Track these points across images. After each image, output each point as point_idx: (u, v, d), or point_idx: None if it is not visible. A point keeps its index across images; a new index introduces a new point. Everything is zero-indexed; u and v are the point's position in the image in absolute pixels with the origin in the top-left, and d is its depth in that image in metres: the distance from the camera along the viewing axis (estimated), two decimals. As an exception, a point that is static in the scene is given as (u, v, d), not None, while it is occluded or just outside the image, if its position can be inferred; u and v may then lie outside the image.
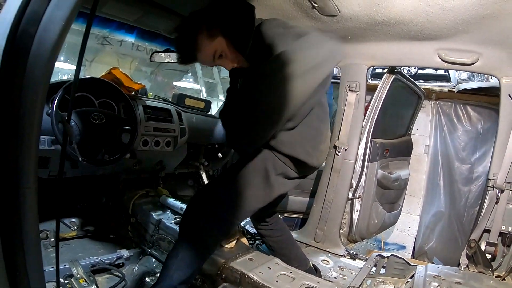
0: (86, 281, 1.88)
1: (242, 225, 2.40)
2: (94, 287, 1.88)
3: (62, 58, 3.43)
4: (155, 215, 2.40)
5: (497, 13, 1.69)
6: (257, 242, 2.38)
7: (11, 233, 0.73)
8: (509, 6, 1.61)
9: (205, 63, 1.59)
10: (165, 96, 2.98)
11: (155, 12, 2.01)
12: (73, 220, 2.60)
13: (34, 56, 0.66)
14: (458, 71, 3.91)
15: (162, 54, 2.47)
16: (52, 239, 2.29)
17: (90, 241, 2.51)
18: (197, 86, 5.29)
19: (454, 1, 1.65)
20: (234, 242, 2.08)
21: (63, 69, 3.49)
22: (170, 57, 2.47)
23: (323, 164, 2.52)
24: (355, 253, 2.48)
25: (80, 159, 1.93)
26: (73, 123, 1.99)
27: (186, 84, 5.26)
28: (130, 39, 2.88)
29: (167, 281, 1.56)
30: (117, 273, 2.10)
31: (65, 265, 1.95)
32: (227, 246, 2.04)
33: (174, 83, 5.18)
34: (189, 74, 5.15)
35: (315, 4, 1.81)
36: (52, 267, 1.85)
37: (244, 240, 2.20)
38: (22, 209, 0.72)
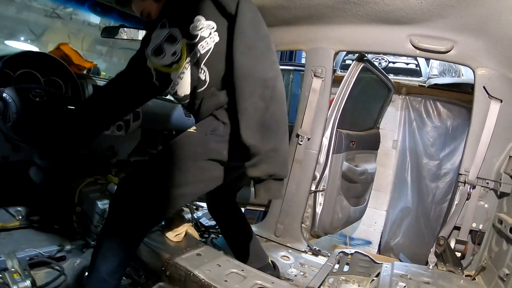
0: (20, 276, 1.65)
1: (196, 217, 2.20)
2: (28, 282, 1.64)
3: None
4: (101, 204, 2.14)
5: (476, -3, 1.54)
6: (212, 236, 2.18)
7: None
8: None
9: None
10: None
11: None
12: (19, 209, 2.35)
13: None
14: (429, 66, 3.84)
15: (116, 30, 2.25)
16: (-9, 230, 2.07)
17: (34, 232, 2.26)
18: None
19: (431, -21, 1.48)
20: (183, 235, 1.87)
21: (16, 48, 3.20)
22: (125, 34, 2.25)
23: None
24: (317, 249, 2.32)
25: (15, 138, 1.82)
26: (10, 100, 1.80)
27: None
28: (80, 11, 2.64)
29: (94, 274, 1.35)
30: (57, 267, 1.88)
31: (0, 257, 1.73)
32: (174, 239, 1.83)
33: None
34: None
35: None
36: (-18, 260, 1.64)
37: (195, 233, 1.99)
38: None
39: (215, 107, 1.38)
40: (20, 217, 2.30)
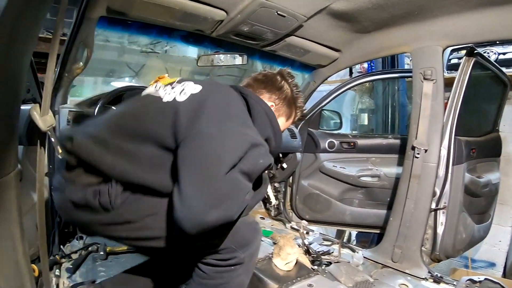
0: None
1: (307, 243, 1.96)
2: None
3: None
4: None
5: None
6: (325, 263, 1.91)
7: None
8: None
9: None
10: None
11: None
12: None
13: None
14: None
15: (210, 57, 2.17)
16: (102, 253, 2.07)
17: (141, 257, 2.23)
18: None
19: None
20: (293, 263, 1.65)
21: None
22: (221, 60, 2.17)
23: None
24: (439, 275, 1.91)
25: None
26: None
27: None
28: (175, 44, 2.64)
29: None
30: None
31: (94, 281, 1.69)
32: (283, 268, 1.62)
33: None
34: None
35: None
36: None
37: (306, 261, 1.75)
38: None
39: None
40: (130, 241, 2.29)
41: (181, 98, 1.04)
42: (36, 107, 0.71)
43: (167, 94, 1.08)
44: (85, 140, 1.03)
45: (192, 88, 1.06)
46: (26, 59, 0.65)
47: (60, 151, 0.72)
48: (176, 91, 1.08)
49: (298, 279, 1.58)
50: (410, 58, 2.15)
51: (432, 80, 1.90)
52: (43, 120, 0.71)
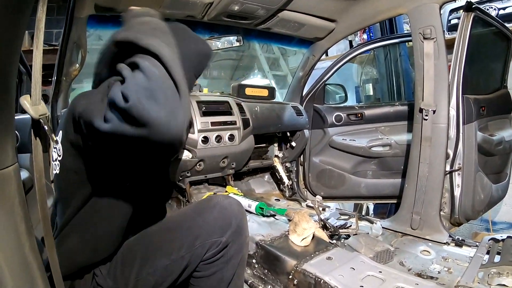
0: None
1: (323, 217, 1.93)
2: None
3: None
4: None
5: None
6: (343, 236, 1.88)
7: None
8: None
9: None
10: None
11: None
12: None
13: None
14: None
15: (206, 43, 2.14)
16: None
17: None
18: (266, 81, 4.94)
19: None
20: (310, 238, 1.62)
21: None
22: (217, 45, 2.14)
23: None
24: (460, 238, 1.85)
25: None
26: None
27: (256, 81, 5.02)
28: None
29: None
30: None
31: None
32: (300, 244, 1.60)
33: (242, 82, 4.93)
34: (256, 71, 4.92)
35: None
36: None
37: (323, 235, 1.73)
38: None
39: None
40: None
41: (56, 168, 1.01)
42: (27, 97, 0.70)
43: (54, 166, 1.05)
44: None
45: (56, 154, 1.02)
46: (13, 49, 0.63)
47: (54, 138, 0.70)
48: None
49: (316, 253, 1.54)
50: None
51: (432, 39, 1.83)
52: (35, 109, 0.70)
